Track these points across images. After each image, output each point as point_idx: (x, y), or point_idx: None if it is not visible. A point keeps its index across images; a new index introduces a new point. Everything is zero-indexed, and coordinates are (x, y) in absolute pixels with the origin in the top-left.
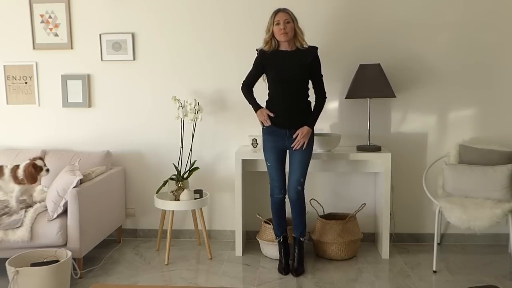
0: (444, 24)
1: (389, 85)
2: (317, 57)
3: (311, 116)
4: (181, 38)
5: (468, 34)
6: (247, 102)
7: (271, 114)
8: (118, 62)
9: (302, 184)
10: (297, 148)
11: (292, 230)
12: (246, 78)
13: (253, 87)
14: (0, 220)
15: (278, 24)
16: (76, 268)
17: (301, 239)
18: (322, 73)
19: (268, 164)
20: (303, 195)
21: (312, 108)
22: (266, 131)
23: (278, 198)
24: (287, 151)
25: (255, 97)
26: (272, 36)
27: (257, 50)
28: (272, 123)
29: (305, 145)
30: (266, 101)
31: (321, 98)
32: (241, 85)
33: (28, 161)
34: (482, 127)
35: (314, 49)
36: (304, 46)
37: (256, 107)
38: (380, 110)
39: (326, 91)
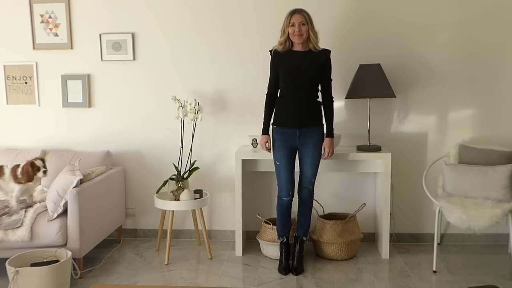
0: (444, 24)
1: (389, 85)
2: (329, 59)
3: (327, 126)
4: (181, 38)
5: (468, 34)
6: (248, 103)
7: (269, 147)
8: (118, 62)
9: (313, 184)
10: (329, 157)
11: (294, 230)
12: (268, 87)
13: (277, 93)
14: (0, 220)
15: (293, 25)
16: (76, 268)
17: (304, 238)
18: (331, 78)
19: (278, 163)
20: (313, 194)
21: (323, 114)
22: (276, 130)
23: (286, 200)
24: (297, 151)
25: (272, 113)
26: (287, 37)
27: (270, 51)
28: (281, 124)
29: (331, 153)
30: (277, 100)
31: (329, 102)
32: (265, 94)
33: (29, 160)
34: (482, 127)
35: (327, 51)
36: (317, 48)
37: (264, 130)
38: (380, 110)
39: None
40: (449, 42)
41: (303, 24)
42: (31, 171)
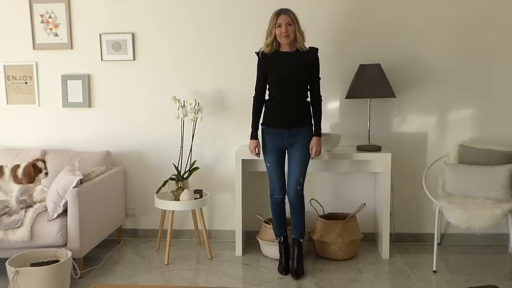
0: (444, 25)
1: (389, 85)
2: (317, 58)
3: (315, 125)
4: (181, 38)
5: (468, 34)
6: (248, 103)
7: (259, 152)
8: (118, 62)
9: (301, 184)
10: (316, 156)
11: (292, 230)
12: (255, 89)
13: (264, 95)
14: (0, 220)
15: (279, 26)
16: (76, 268)
17: (301, 240)
18: (320, 76)
19: (268, 164)
20: (303, 195)
21: (312, 113)
22: (265, 131)
23: (278, 198)
24: (286, 151)
25: (260, 116)
26: (274, 38)
27: (256, 53)
28: (270, 125)
29: (319, 151)
30: (265, 101)
31: (318, 101)
32: (253, 97)
33: (32, 161)
34: (482, 127)
35: (314, 50)
36: (304, 48)
37: (252, 134)
38: (380, 110)
39: (325, 91)
40: (449, 42)
41: (289, 25)
42: (33, 172)
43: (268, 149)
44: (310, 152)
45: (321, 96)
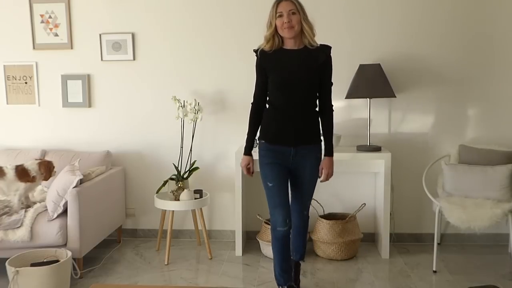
0: (444, 24)
1: (389, 85)
2: (329, 58)
3: (326, 142)
4: (181, 38)
5: (468, 34)
6: (248, 103)
7: (253, 171)
8: (118, 62)
9: (308, 209)
10: (327, 180)
11: (291, 252)
12: (254, 94)
13: (264, 102)
14: (0, 220)
15: (281, 16)
16: (76, 268)
17: (301, 261)
18: (332, 81)
19: (270, 184)
20: (308, 218)
21: (321, 125)
22: (264, 147)
23: (281, 231)
24: (289, 170)
25: (257, 127)
26: (275, 32)
27: (254, 51)
28: (272, 141)
29: (331, 174)
30: (265, 111)
31: (329, 112)
32: (251, 103)
33: (40, 160)
34: (482, 127)
35: (327, 48)
36: (314, 45)
37: (245, 149)
38: (380, 110)
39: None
40: (449, 42)
41: (293, 13)
42: (52, 169)
43: (270, 165)
44: (320, 175)
45: (332, 106)
